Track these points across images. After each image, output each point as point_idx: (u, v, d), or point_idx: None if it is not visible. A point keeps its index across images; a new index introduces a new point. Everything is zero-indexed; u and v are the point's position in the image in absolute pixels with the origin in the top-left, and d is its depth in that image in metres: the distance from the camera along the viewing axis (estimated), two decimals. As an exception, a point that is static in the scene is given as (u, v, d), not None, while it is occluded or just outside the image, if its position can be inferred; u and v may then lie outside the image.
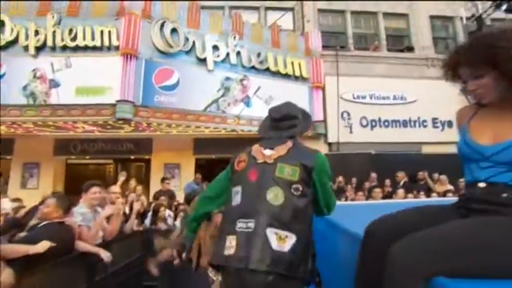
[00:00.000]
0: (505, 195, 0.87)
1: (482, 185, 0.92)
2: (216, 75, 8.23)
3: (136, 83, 7.02)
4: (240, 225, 1.17)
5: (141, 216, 4.08)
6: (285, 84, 9.39)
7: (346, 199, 5.81)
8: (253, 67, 8.70)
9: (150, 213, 4.19)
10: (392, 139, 10.18)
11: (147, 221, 4.10)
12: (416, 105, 10.40)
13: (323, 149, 10.07)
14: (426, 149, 9.90)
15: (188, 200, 2.98)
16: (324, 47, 10.40)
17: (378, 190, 5.06)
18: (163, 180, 6.79)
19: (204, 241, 2.35)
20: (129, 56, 6.98)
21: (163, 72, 7.48)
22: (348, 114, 10.34)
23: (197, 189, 3.23)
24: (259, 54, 8.80)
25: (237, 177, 1.32)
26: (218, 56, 8.25)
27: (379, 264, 0.88)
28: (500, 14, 9.15)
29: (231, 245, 1.14)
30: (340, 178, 7.40)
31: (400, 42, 11.28)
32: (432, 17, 11.26)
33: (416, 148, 10.08)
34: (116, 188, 3.80)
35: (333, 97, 10.20)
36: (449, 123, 10.10)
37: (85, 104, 6.75)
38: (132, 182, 5.10)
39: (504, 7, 8.29)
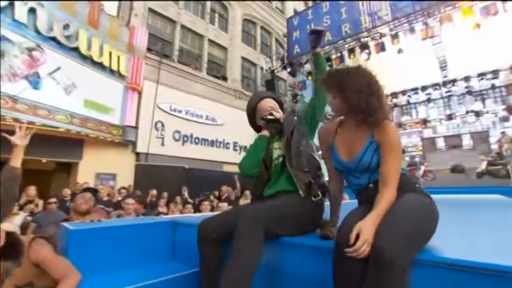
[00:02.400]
0: None
1: (371, 185, 1.24)
2: (-15, 29, 5.46)
3: None
4: None
5: None
6: (97, 75, 7.85)
7: (158, 214, 5.46)
8: (54, 39, 6.59)
9: None
10: (200, 156, 10.93)
11: None
12: (223, 129, 11.91)
13: (129, 159, 9.13)
14: (226, 168, 11.40)
15: None
16: (148, 49, 9.80)
17: (206, 203, 5.24)
18: None
19: None
20: None
21: None
22: (162, 125, 10.11)
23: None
24: (67, 27, 6.83)
25: None
26: (-5, 1, 5.57)
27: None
28: (284, 74, 12.61)
29: None
30: (154, 191, 6.85)
31: (218, 70, 12.73)
32: (243, 58, 13.71)
33: (219, 166, 11.40)
34: None
35: (149, 104, 9.66)
36: (245, 148, 12.32)
37: None
38: None
39: (288, 70, 11.50)
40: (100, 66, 7.91)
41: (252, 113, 1.75)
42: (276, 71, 12.14)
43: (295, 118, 1.65)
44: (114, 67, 8.31)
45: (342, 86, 1.20)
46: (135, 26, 9.12)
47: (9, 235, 1.41)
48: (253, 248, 1.16)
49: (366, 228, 0.97)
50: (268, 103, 1.69)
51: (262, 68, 13.56)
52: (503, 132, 10.94)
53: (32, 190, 5.39)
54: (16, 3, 5.83)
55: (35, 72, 6.19)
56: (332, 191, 1.41)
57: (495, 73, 12.38)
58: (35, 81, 6.18)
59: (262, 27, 15.20)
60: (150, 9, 10.32)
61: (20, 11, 5.97)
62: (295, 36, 11.19)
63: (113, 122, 8.41)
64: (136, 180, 8.88)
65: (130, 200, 4.14)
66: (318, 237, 1.29)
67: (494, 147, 11.32)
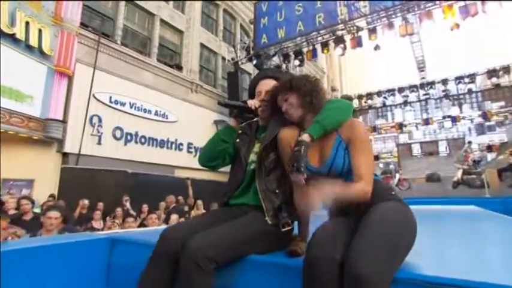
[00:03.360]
0: None
1: None
2: None
3: None
4: None
5: None
6: (6, 50, 7.06)
7: (93, 229, 5.12)
8: None
9: None
10: (147, 158, 10.34)
11: None
12: (176, 127, 11.38)
13: (54, 161, 8.38)
14: (178, 173, 10.93)
15: None
16: (83, 25, 9.08)
17: (154, 216, 5.05)
18: None
19: None
20: None
21: None
22: (100, 120, 9.39)
23: None
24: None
25: None
26: None
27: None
28: (249, 67, 12.51)
29: None
30: (86, 201, 6.35)
31: (171, 57, 12.17)
32: (202, 46, 13.31)
33: (170, 171, 10.88)
34: None
35: (82, 93, 8.90)
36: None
37: None
38: None
39: (254, 62, 11.42)
40: (11, 39, 7.07)
41: (253, 95, 1.67)
42: (240, 63, 11.99)
43: None
44: (34, 43, 7.48)
45: (295, 85, 1.37)
46: (64, -7, 8.39)
47: None
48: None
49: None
50: (266, 86, 1.58)
51: (224, 58, 13.33)
52: (469, 142, 11.87)
53: None
54: None
55: None
56: (297, 201, 1.39)
57: (472, 77, 13.43)
58: None
59: (225, 10, 14.89)
60: (86, -24, 9.60)
61: None
62: (263, 24, 11.15)
63: (31, 114, 7.62)
64: (63, 187, 8.08)
65: (53, 213, 3.63)
66: (284, 253, 1.30)
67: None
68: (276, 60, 11.54)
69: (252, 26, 12.37)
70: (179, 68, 12.08)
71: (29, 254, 1.47)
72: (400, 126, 15.78)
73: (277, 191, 1.43)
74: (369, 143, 1.29)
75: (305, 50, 10.69)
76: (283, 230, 1.33)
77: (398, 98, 15.07)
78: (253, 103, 1.52)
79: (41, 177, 8.01)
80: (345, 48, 10.14)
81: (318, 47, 10.75)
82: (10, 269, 1.37)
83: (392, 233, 1.03)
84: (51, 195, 7.51)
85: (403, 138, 17.17)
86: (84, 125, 8.93)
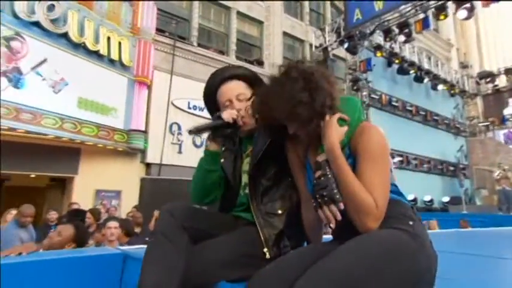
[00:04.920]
0: None
1: None
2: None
3: None
4: None
5: None
6: (92, 67, 8.30)
7: None
8: (37, 24, 7.13)
9: None
10: (229, 166, 10.87)
11: None
12: (260, 131, 11.69)
13: (138, 172, 9.48)
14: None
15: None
16: (159, 30, 10.15)
17: None
18: None
19: None
20: None
21: None
22: (179, 127, 10.30)
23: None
24: (52, 8, 7.36)
25: None
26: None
27: None
28: (341, 52, 12.03)
29: None
30: (157, 213, 6.93)
31: (250, 52, 12.65)
32: (285, 34, 13.43)
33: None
34: None
35: (161, 101, 9.96)
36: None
37: None
38: None
39: (345, 46, 10.92)
40: (96, 55, 8.30)
41: (213, 105, 1.58)
42: (329, 48, 11.64)
43: None
44: (115, 56, 8.68)
45: (301, 111, 1.12)
46: (140, 3, 9.46)
47: None
48: None
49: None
50: (230, 92, 1.48)
51: (311, 45, 13.16)
52: None
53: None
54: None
55: (15, 67, 6.71)
56: (307, 222, 1.31)
57: None
58: (15, 79, 6.69)
59: (312, -11, 14.77)
60: (159, -21, 10.71)
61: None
62: (356, -4, 10.60)
63: (116, 126, 8.75)
64: (142, 199, 9.09)
65: (113, 223, 3.99)
66: None
67: None
68: (374, 39, 10.81)
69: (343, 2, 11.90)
70: (260, 63, 12.43)
71: (34, 267, 1.54)
72: None
73: (279, 212, 1.36)
74: (386, 155, 1.16)
75: (413, 20, 9.70)
76: None
77: None
78: (229, 115, 1.38)
79: (128, 188, 9.18)
80: (471, 8, 8.71)
81: (432, 13, 9.64)
82: (13, 282, 1.43)
83: (363, 261, 0.96)
84: (135, 207, 8.55)
85: None
86: (165, 133, 9.90)
